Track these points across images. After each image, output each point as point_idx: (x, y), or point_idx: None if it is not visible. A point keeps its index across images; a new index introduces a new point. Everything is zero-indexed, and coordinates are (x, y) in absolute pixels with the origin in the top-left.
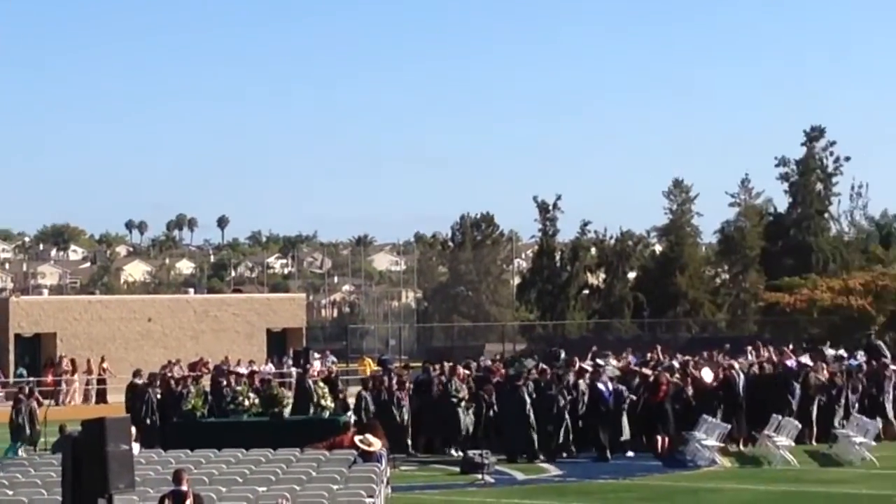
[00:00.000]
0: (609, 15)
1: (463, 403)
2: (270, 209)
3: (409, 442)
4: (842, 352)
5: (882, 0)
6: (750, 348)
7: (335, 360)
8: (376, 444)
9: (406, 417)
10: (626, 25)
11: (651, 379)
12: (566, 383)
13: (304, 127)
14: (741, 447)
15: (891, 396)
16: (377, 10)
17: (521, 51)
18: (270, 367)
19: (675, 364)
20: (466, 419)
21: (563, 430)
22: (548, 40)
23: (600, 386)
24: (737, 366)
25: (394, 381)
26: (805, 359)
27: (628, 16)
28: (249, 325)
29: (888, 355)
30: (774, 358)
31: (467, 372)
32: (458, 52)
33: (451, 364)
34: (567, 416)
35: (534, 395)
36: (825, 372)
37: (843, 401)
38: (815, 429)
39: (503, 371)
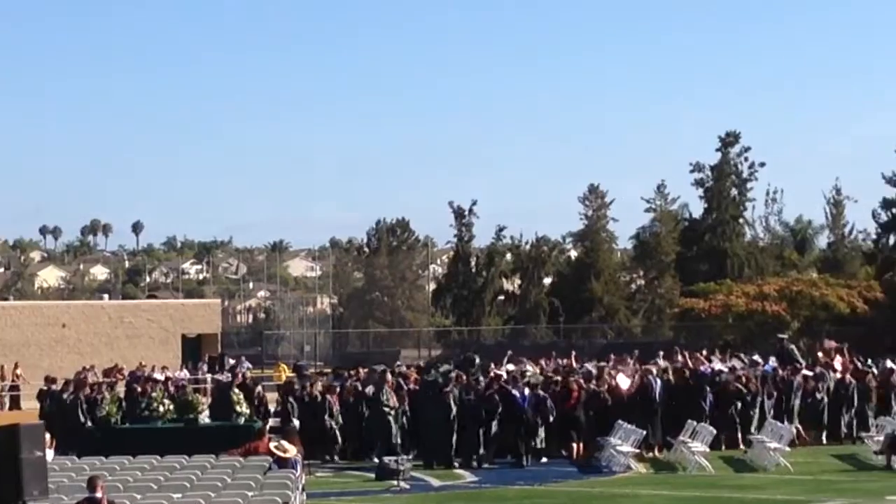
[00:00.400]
0: (524, 19)
1: (393, 412)
2: (185, 215)
3: (337, 449)
4: (756, 357)
5: (794, 6)
6: (662, 353)
7: (250, 366)
8: (291, 450)
9: (333, 425)
10: (540, 30)
11: (563, 386)
12: (481, 389)
13: (220, 132)
14: (656, 453)
15: (798, 402)
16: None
17: (436, 55)
18: (185, 373)
19: (592, 370)
20: (395, 427)
21: (481, 436)
22: (463, 44)
23: (515, 392)
24: (654, 371)
25: (316, 387)
26: (718, 364)
27: (542, 21)
28: (164, 330)
29: (801, 361)
30: (690, 364)
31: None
32: (373, 57)
33: (381, 370)
34: (484, 422)
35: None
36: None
37: (757, 407)
38: (739, 433)
39: (415, 377)
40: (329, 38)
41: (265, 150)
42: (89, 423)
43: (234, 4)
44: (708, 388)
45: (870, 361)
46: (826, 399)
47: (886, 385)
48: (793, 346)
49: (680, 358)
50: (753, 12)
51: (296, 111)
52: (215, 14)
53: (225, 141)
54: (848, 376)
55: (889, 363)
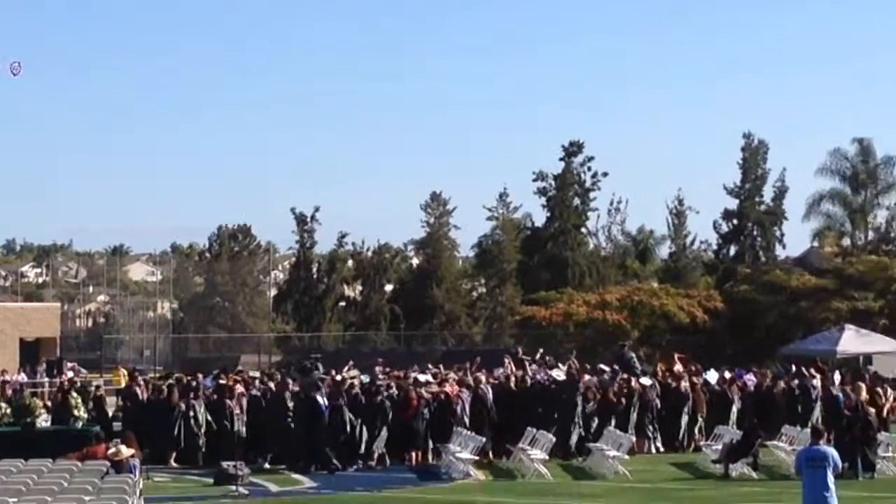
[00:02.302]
0: (364, 23)
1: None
2: (24, 217)
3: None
4: (602, 366)
5: (636, 15)
6: (507, 359)
7: (85, 371)
8: (128, 454)
9: (241, 429)
10: (380, 35)
11: (403, 394)
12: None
13: (59, 134)
14: (494, 459)
15: (636, 411)
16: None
17: (276, 57)
18: (23, 377)
19: (430, 378)
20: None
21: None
22: (305, 50)
23: (318, 399)
24: (483, 380)
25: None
26: (556, 372)
27: (381, 25)
28: (2, 334)
29: (639, 369)
30: (530, 372)
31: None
32: (220, 59)
33: (280, 375)
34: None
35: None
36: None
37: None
38: (589, 437)
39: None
40: (173, 43)
41: (106, 153)
42: None
43: (61, 10)
44: (559, 396)
45: (712, 371)
46: (664, 407)
47: (724, 394)
48: (633, 355)
49: (512, 367)
50: (598, 24)
51: (136, 116)
52: (40, 16)
53: (65, 144)
54: (685, 385)
55: (728, 373)
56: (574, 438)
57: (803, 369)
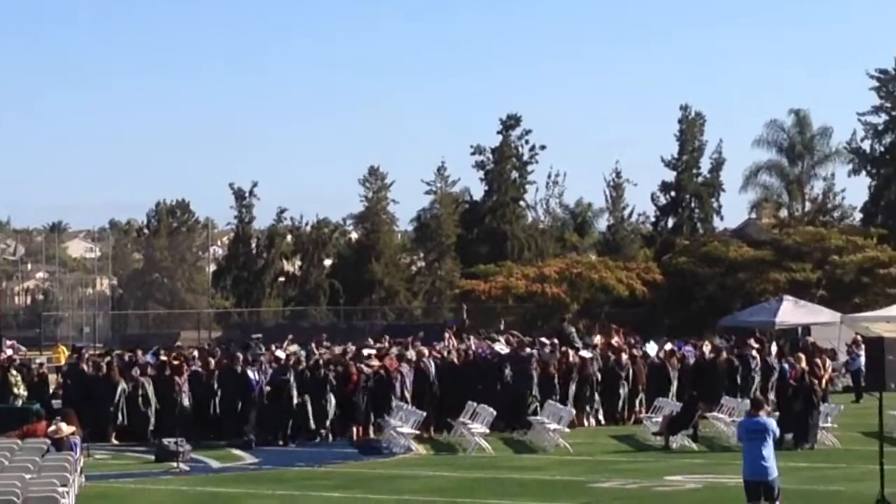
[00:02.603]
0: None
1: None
2: None
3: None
4: (543, 339)
5: None
6: (448, 334)
7: (24, 349)
8: (69, 431)
9: (187, 404)
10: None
11: (344, 369)
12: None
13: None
14: (435, 434)
15: (576, 384)
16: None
17: (214, 36)
18: None
19: (371, 352)
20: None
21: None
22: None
23: (250, 374)
24: (426, 353)
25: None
26: (499, 346)
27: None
28: None
29: (579, 343)
30: (474, 346)
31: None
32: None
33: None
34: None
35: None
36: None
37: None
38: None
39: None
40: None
41: (43, 129)
42: None
43: None
44: (498, 369)
45: (652, 343)
46: (604, 380)
47: (664, 366)
48: (573, 329)
49: (453, 340)
50: None
51: (73, 89)
52: None
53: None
54: (625, 357)
55: (668, 345)
56: (531, 410)
57: (748, 341)
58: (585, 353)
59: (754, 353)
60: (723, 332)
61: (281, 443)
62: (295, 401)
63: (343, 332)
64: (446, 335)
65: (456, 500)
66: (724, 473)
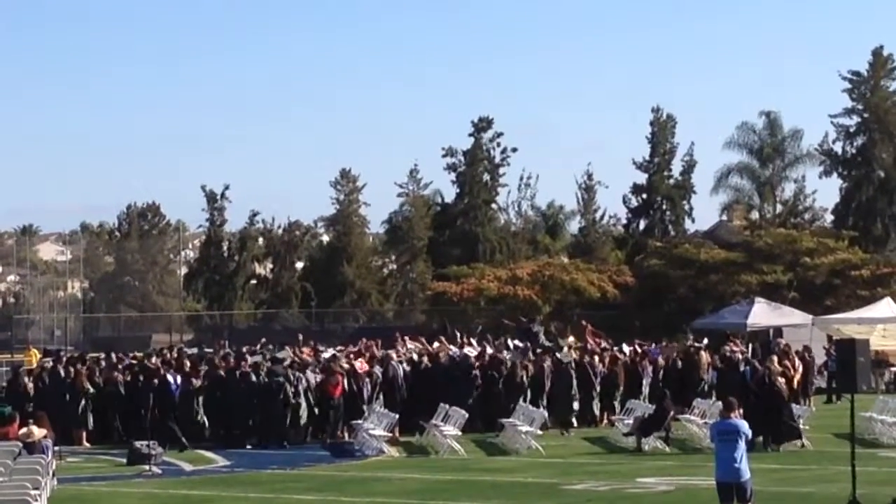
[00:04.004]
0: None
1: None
2: None
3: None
4: (517, 342)
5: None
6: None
7: None
8: (41, 434)
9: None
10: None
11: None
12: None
13: None
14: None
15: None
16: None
17: (185, 38)
18: None
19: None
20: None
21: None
22: (211, 25)
23: (169, 378)
24: (394, 357)
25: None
26: (469, 349)
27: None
28: None
29: (550, 345)
30: (447, 349)
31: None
32: (124, 33)
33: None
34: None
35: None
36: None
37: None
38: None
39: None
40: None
41: (13, 131)
42: None
43: None
44: (471, 372)
45: (625, 346)
46: (574, 382)
47: (635, 368)
48: (541, 329)
49: (408, 346)
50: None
51: (43, 91)
52: None
53: None
54: (598, 360)
55: (638, 347)
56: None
57: (728, 343)
58: (560, 356)
59: (738, 354)
60: (696, 334)
61: (286, 444)
62: (292, 401)
63: (315, 335)
64: (398, 338)
65: (429, 502)
66: (696, 475)
